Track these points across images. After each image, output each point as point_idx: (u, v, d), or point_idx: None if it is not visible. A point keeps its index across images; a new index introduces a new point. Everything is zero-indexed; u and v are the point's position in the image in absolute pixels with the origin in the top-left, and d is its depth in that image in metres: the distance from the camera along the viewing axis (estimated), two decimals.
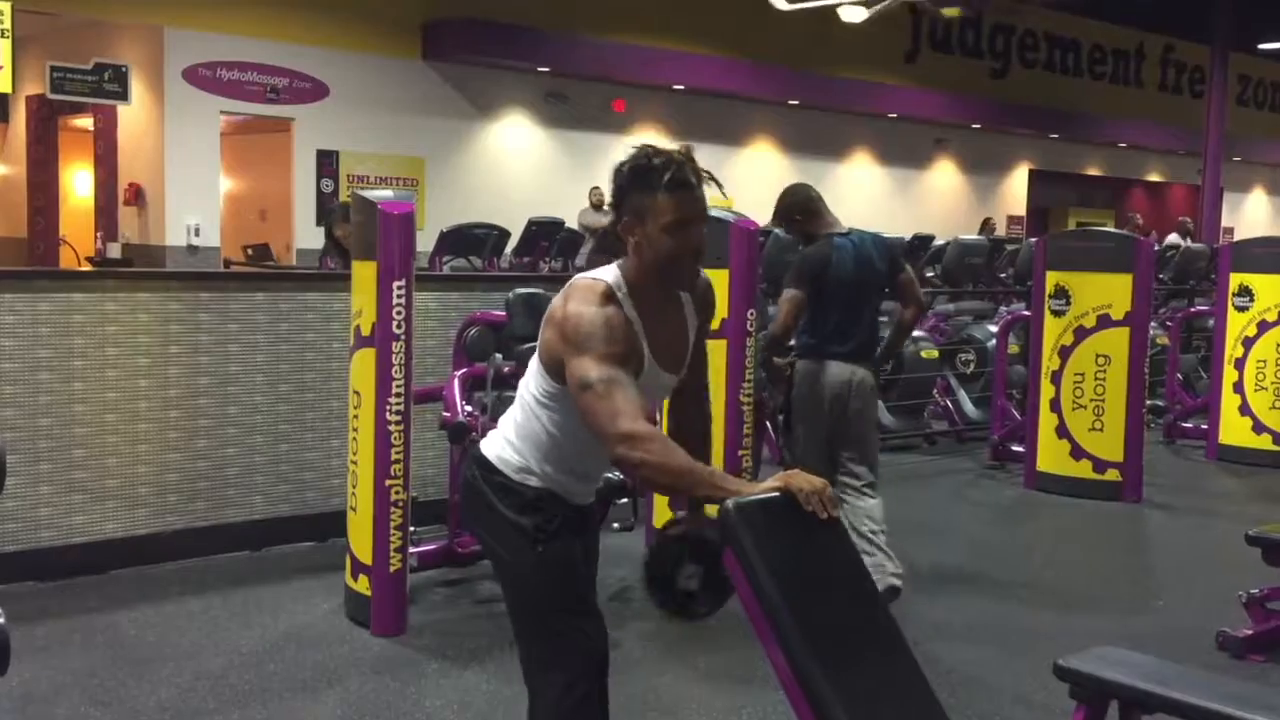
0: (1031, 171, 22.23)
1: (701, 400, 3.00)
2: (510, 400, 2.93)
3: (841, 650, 2.41)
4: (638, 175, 2.64)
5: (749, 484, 2.48)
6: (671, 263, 2.65)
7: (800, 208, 5.26)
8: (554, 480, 2.76)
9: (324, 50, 13.26)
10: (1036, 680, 4.00)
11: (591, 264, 6.30)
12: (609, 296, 2.62)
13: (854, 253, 5.15)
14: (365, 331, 4.64)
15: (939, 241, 11.66)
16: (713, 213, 5.86)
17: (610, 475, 4.12)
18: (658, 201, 2.61)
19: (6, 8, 8.14)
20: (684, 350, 2.81)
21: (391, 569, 4.64)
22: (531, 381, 2.77)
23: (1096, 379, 7.40)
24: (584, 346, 2.53)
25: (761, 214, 5.87)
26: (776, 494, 2.43)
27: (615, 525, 4.92)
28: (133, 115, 12.65)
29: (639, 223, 2.64)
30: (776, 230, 6.74)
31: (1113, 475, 7.38)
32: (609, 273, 2.68)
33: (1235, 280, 8.77)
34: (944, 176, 20.72)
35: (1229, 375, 8.78)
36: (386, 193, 4.74)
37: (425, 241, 9.88)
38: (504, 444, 2.80)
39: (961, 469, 8.43)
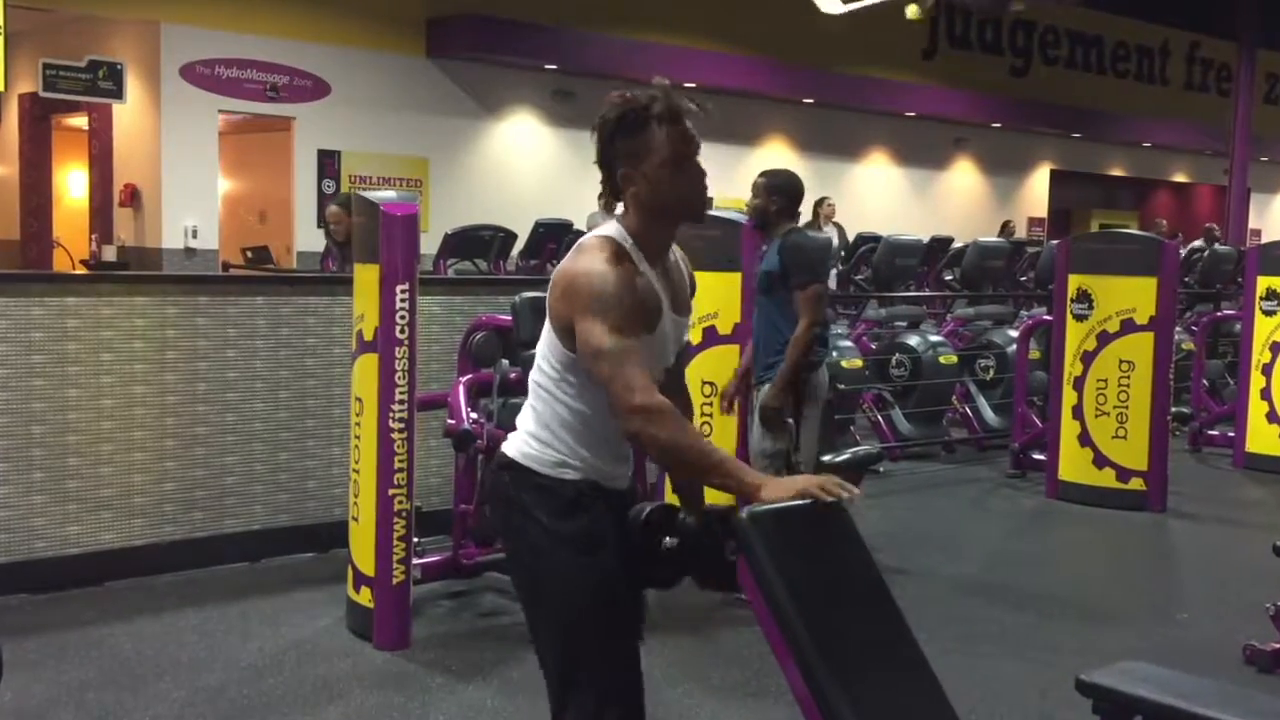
0: (1053, 172, 22.06)
1: (683, 388, 2.90)
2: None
3: (858, 664, 2.38)
4: (625, 120, 2.55)
5: (760, 477, 2.42)
6: (680, 200, 2.60)
7: (796, 198, 5.31)
8: (592, 466, 2.62)
9: (325, 47, 13.17)
10: (1059, 695, 3.91)
11: None
12: (619, 254, 2.54)
13: None
14: (368, 336, 4.60)
15: (958, 244, 11.54)
16: (724, 214, 5.85)
17: None
18: (654, 139, 2.55)
19: None
20: (689, 296, 2.75)
21: (394, 581, 4.59)
22: (544, 360, 2.64)
23: (1120, 385, 7.29)
24: (593, 309, 2.46)
25: None
26: (791, 503, 2.39)
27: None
28: (128, 114, 12.54)
29: (636, 168, 2.56)
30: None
31: (1137, 484, 7.28)
32: (610, 229, 2.60)
33: (1263, 283, 8.67)
34: (963, 177, 20.57)
35: (1256, 381, 8.67)
36: (389, 194, 4.74)
37: (429, 244, 9.83)
38: (530, 440, 2.65)
39: (981, 478, 8.35)
